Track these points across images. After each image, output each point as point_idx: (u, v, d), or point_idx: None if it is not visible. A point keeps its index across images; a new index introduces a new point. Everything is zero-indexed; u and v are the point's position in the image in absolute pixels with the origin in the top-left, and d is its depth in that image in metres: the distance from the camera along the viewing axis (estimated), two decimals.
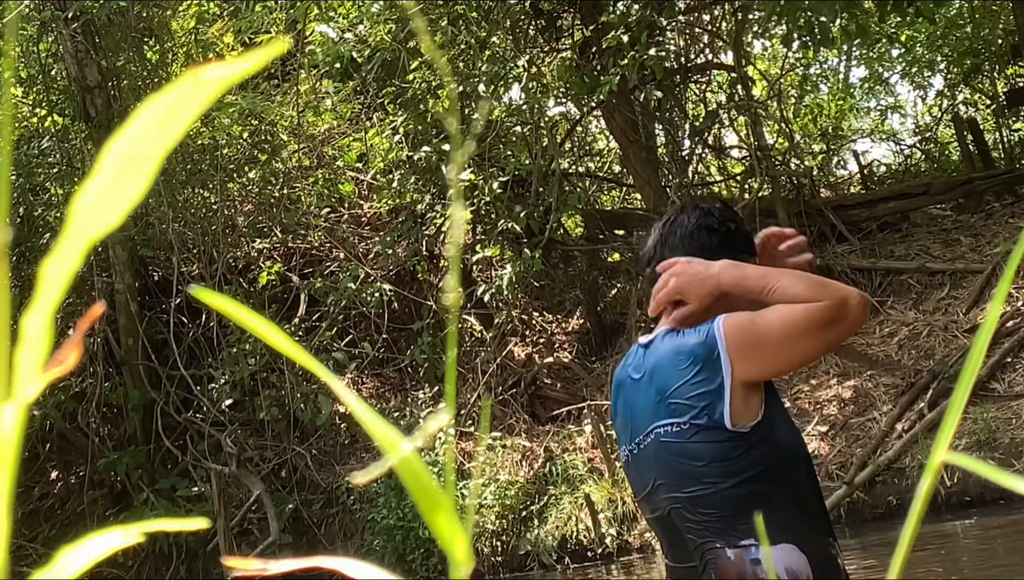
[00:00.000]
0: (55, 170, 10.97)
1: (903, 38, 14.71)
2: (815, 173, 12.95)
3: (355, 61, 10.70)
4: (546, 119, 11.39)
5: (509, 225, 10.13)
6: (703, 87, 12.55)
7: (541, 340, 11.76)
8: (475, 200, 10.24)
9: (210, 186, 11.23)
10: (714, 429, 2.14)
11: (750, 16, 11.25)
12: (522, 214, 10.18)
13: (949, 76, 15.77)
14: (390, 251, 11.17)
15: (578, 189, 11.78)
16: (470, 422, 10.31)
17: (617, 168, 13.17)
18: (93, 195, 0.39)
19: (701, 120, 11.35)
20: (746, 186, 11.89)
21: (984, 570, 6.46)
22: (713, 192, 12.66)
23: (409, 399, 10.82)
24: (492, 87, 9.91)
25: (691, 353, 2.17)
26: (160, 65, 11.35)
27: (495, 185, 10.17)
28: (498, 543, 9.10)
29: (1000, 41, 13.55)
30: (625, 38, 8.93)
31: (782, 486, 2.15)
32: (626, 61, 8.94)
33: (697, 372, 2.16)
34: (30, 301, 0.40)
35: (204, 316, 10.76)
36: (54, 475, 10.98)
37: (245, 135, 11.67)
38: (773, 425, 2.17)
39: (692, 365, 2.17)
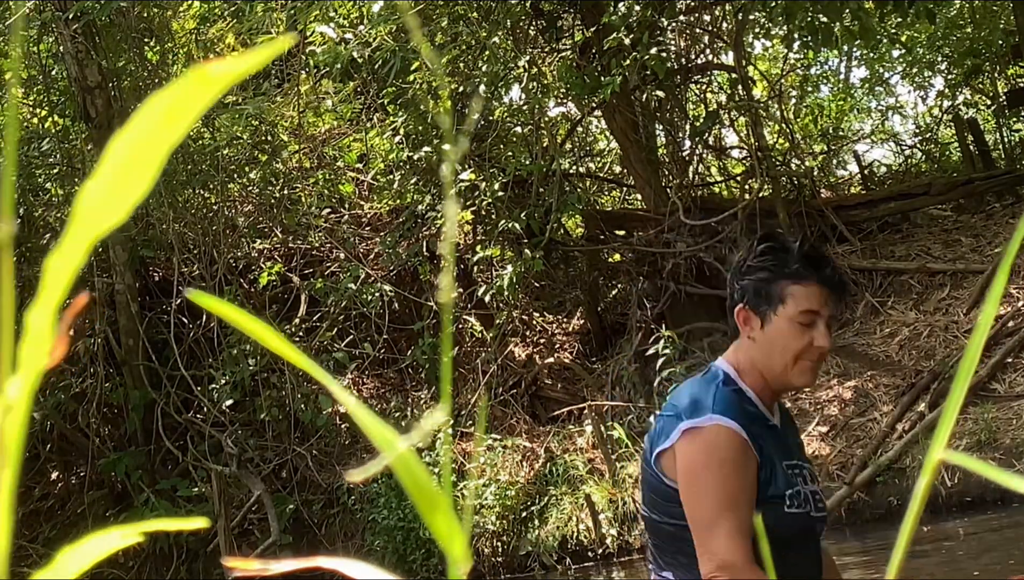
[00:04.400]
0: (56, 171, 10.97)
1: (903, 38, 14.70)
2: (816, 173, 12.94)
3: (355, 61, 10.69)
4: (546, 119, 11.38)
5: (509, 225, 10.13)
6: (703, 87, 12.53)
7: (542, 340, 11.76)
8: (476, 200, 10.23)
9: (211, 187, 11.22)
10: (655, 471, 2.28)
11: (751, 16, 11.24)
12: (522, 214, 10.18)
13: (950, 76, 15.76)
14: (391, 252, 11.16)
15: (578, 189, 11.77)
16: (471, 422, 10.31)
17: (617, 168, 13.16)
18: (97, 191, 0.39)
19: (702, 120, 11.33)
20: (746, 187, 11.88)
21: (984, 570, 6.45)
22: (713, 192, 12.65)
23: (410, 400, 10.82)
24: (492, 87, 9.90)
25: (672, 406, 2.30)
26: (161, 65, 11.35)
27: (496, 185, 10.17)
28: (499, 544, 9.09)
29: (1000, 41, 13.55)
30: (627, 40, 8.92)
31: None
32: (628, 62, 8.93)
33: (663, 420, 2.30)
34: (31, 302, 0.40)
35: (205, 317, 10.75)
36: (54, 476, 10.98)
37: (246, 136, 11.67)
38: None
39: (664, 414, 2.30)
